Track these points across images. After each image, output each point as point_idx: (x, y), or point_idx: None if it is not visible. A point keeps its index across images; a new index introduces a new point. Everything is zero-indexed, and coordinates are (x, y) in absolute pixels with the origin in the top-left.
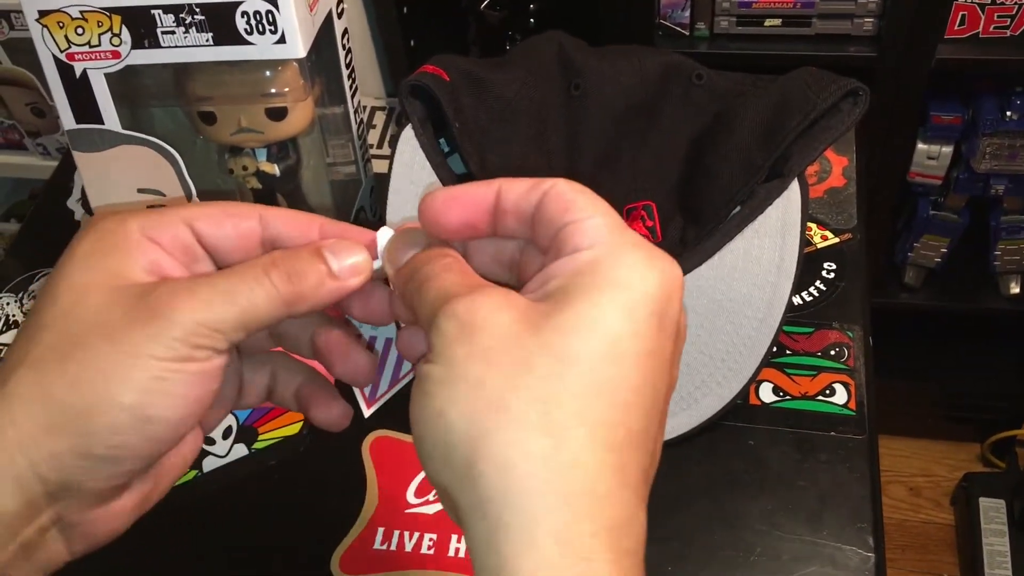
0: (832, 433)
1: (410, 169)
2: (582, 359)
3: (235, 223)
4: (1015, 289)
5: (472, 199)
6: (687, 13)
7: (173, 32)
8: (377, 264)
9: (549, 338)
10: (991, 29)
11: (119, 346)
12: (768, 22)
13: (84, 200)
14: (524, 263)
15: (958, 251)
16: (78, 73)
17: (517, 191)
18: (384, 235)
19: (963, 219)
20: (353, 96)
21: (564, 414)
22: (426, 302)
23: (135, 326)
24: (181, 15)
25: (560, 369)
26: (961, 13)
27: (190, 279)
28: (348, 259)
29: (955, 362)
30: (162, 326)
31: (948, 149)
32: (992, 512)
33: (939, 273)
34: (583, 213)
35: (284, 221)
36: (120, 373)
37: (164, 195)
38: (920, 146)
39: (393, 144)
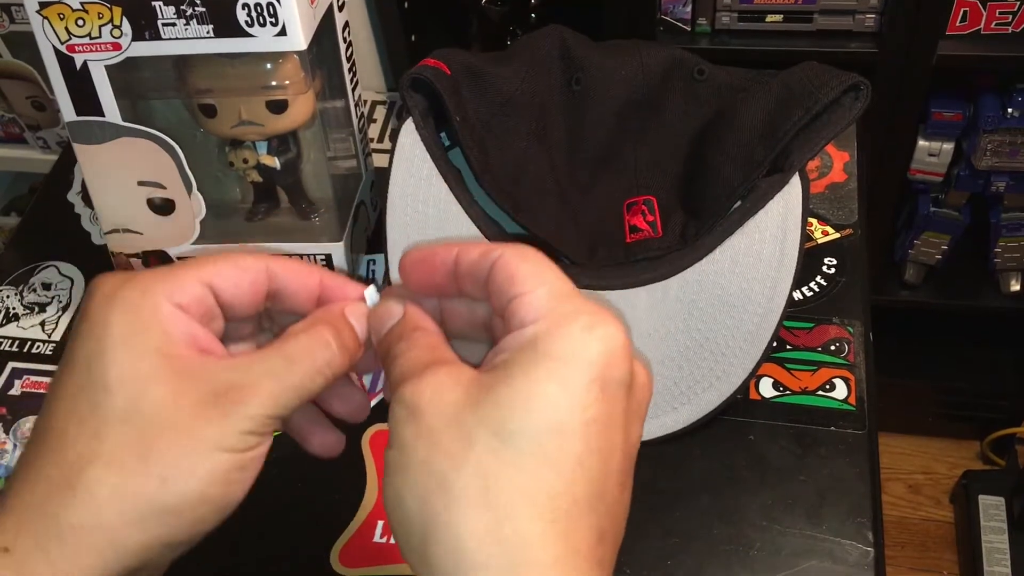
0: (832, 428)
1: (411, 163)
2: (521, 433)
3: (249, 279)
4: (1015, 287)
5: (434, 262)
6: (688, 8)
7: (174, 24)
8: None
9: (488, 414)
10: (992, 26)
11: (197, 443)
12: (769, 18)
13: (84, 193)
14: (494, 325)
15: (958, 248)
16: (78, 65)
17: (471, 257)
18: (370, 296)
19: (964, 216)
20: (354, 90)
21: (504, 488)
22: (389, 383)
23: (210, 423)
24: (182, 7)
25: (498, 444)
26: (963, 9)
27: (248, 367)
28: (362, 323)
29: (955, 360)
30: (235, 422)
31: (949, 146)
32: (992, 510)
33: (939, 270)
34: (527, 285)
35: (288, 273)
36: (203, 469)
37: (164, 187)
38: (921, 143)
39: (394, 138)
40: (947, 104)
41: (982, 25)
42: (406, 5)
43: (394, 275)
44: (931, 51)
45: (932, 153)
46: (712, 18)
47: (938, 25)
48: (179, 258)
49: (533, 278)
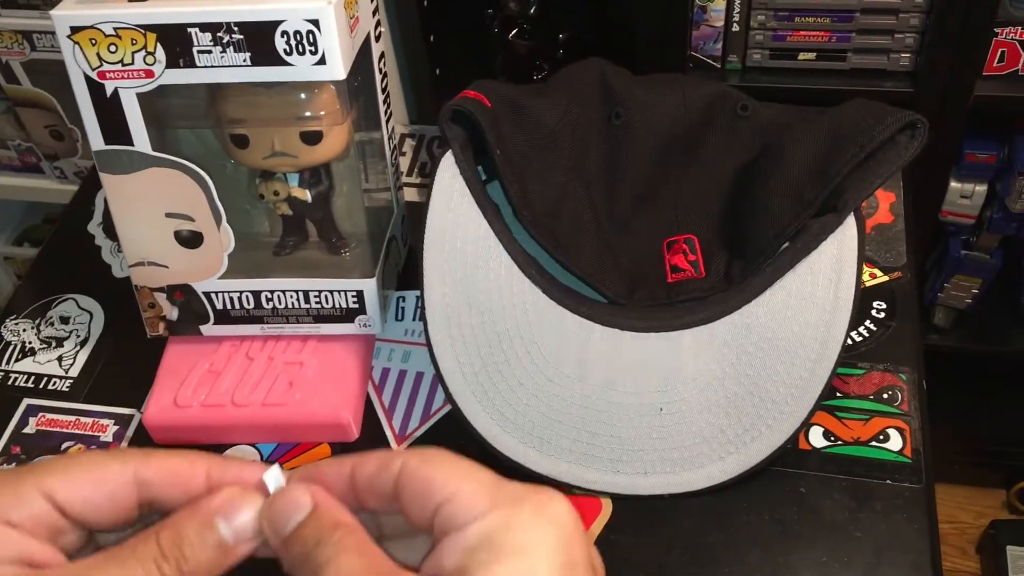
0: (888, 481)
1: (449, 197)
2: None
3: (104, 490)
4: None
5: (325, 481)
6: (719, 45)
7: (210, 51)
8: None
9: None
10: None
11: None
12: (802, 56)
13: (106, 224)
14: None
15: (989, 292)
16: (109, 92)
17: (367, 471)
18: (272, 480)
19: (995, 260)
20: (388, 121)
21: None
22: None
23: None
24: (219, 34)
25: None
26: (1000, 50)
27: (64, 571)
28: (239, 521)
29: (982, 406)
30: None
31: (982, 188)
32: (1020, 561)
33: (969, 314)
34: (449, 486)
35: (163, 477)
36: None
37: (193, 220)
38: (953, 184)
39: (425, 171)
40: (981, 145)
41: (1020, 66)
42: (432, 38)
43: (428, 315)
44: (968, 92)
45: (964, 195)
46: (743, 55)
47: (975, 65)
48: (204, 294)
49: (453, 477)
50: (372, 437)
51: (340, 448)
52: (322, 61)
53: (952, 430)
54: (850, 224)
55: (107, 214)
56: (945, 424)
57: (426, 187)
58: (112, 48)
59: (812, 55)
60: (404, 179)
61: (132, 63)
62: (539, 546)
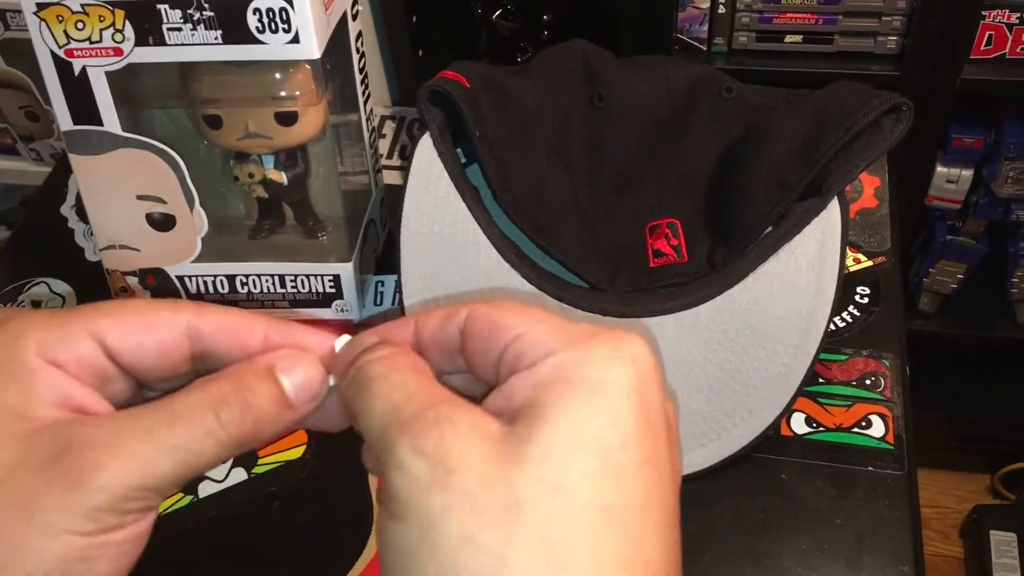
0: (869, 468)
1: (427, 180)
2: (580, 486)
3: (156, 337)
4: None
5: (394, 338)
6: (705, 28)
7: (180, 29)
8: None
9: (536, 469)
10: (1018, 50)
11: (32, 522)
12: (789, 38)
13: (78, 207)
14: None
15: (974, 278)
16: (77, 71)
17: (431, 326)
18: (343, 342)
19: (981, 245)
20: (366, 103)
21: (575, 559)
22: (373, 417)
23: (51, 495)
24: (189, 11)
25: (559, 504)
26: (988, 33)
27: (113, 422)
28: (300, 378)
29: (966, 391)
30: (85, 494)
31: (968, 173)
32: (1003, 546)
33: (954, 300)
34: (519, 327)
35: (218, 331)
36: (35, 557)
37: (165, 202)
38: (939, 169)
39: (405, 153)
40: (967, 130)
41: (1007, 49)
42: (414, 19)
43: (407, 299)
44: (955, 75)
45: (951, 180)
46: (729, 38)
47: (963, 49)
48: (177, 278)
49: (524, 319)
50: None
51: (317, 434)
52: (296, 40)
53: (936, 415)
54: (834, 208)
55: (80, 196)
56: (929, 409)
57: (406, 170)
58: (79, 25)
59: (799, 38)
60: (384, 162)
61: (100, 41)
62: (616, 384)
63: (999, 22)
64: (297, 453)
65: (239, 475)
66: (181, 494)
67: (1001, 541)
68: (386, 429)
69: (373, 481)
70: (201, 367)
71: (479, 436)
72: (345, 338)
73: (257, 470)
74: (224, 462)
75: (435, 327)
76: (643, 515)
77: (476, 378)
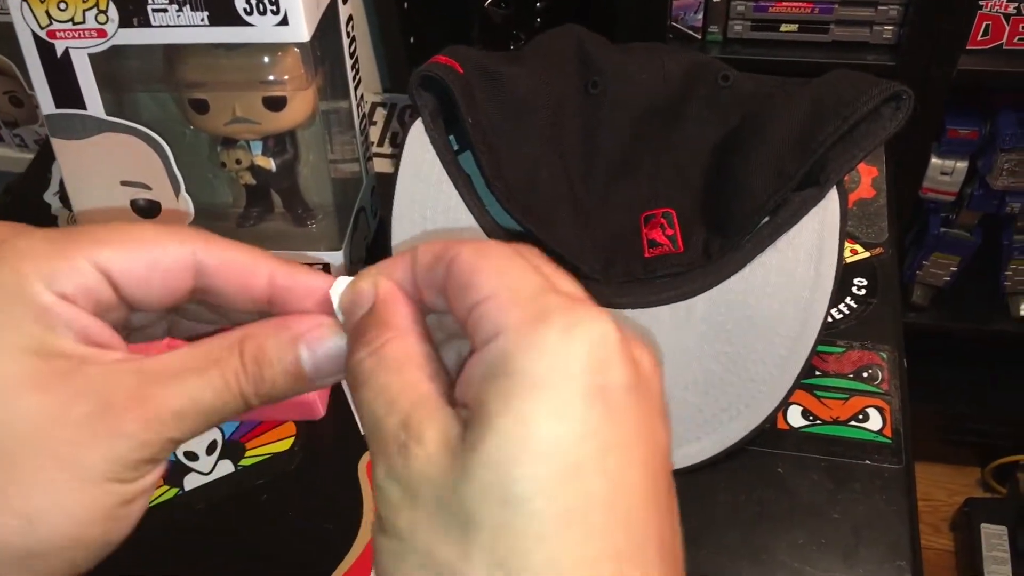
0: (866, 462)
1: (419, 167)
2: (528, 493)
3: (160, 269)
4: None
5: (394, 277)
6: (700, 16)
7: (165, 10)
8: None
9: (482, 481)
10: (1015, 40)
11: (76, 472)
12: (784, 27)
13: (62, 193)
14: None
15: (967, 270)
16: (59, 52)
17: (425, 261)
18: (338, 292)
19: (975, 237)
20: (356, 88)
21: (530, 569)
22: (363, 422)
23: (91, 446)
24: None
25: (509, 515)
26: (985, 23)
27: (148, 371)
28: (322, 349)
29: (958, 384)
30: (126, 447)
31: (963, 164)
32: (994, 539)
33: (947, 293)
34: (484, 290)
35: (223, 268)
36: (80, 506)
37: (150, 188)
38: (934, 160)
39: (396, 141)
40: (962, 121)
41: (1004, 40)
42: (406, 5)
43: None
44: (951, 65)
45: (945, 172)
46: (724, 26)
47: (959, 38)
48: None
49: (493, 277)
50: (339, 415)
51: (305, 426)
52: (284, 22)
53: (928, 409)
54: (832, 198)
55: (64, 183)
56: (921, 402)
57: (397, 157)
58: (62, 6)
59: (794, 27)
60: (375, 149)
61: (83, 22)
62: (562, 372)
63: (996, 12)
64: (285, 445)
65: (226, 467)
66: (166, 487)
67: (992, 534)
68: (369, 442)
69: (363, 473)
70: (201, 299)
71: (442, 450)
72: (342, 282)
73: (244, 462)
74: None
75: (427, 264)
76: (608, 509)
77: (460, 326)
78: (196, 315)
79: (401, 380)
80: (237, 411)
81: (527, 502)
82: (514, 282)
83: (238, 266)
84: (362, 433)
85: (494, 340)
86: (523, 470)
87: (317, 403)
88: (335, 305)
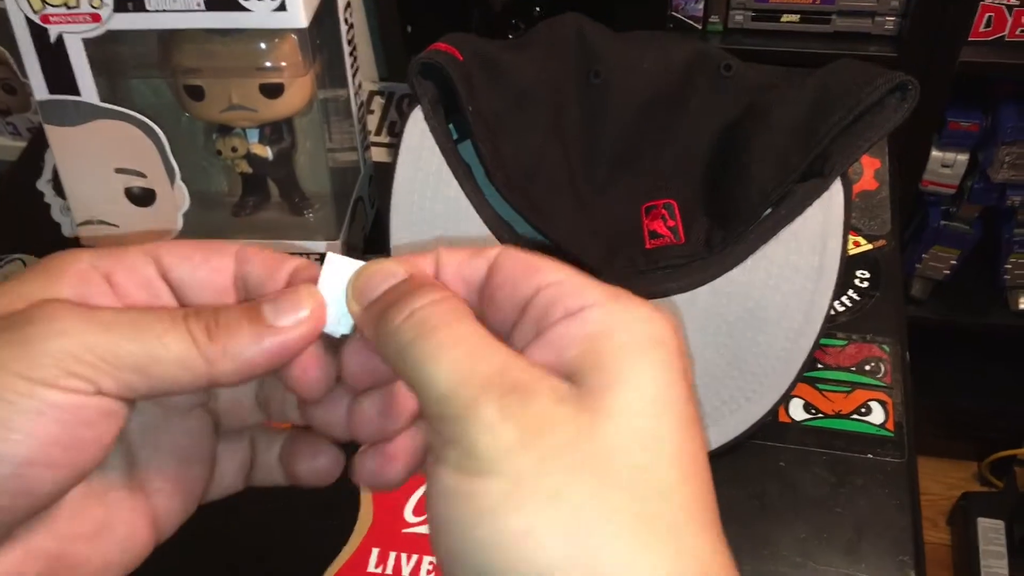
0: (869, 456)
1: (418, 156)
2: (666, 437)
3: (205, 258)
4: None
5: (411, 270)
6: (700, 5)
7: None
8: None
9: (622, 421)
10: (1018, 32)
11: (21, 366)
12: (785, 18)
13: (55, 181)
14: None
15: (966, 264)
16: (53, 38)
17: (458, 258)
18: (335, 262)
19: (975, 230)
20: (354, 76)
21: (668, 511)
22: (438, 370)
23: (10, 352)
24: None
25: (649, 458)
26: (987, 14)
27: (95, 306)
28: (292, 313)
29: (956, 378)
30: (34, 336)
31: (964, 157)
32: (991, 533)
33: (946, 286)
34: (555, 274)
35: (261, 260)
36: (35, 412)
37: (144, 176)
38: (934, 153)
39: (394, 130)
40: (963, 114)
41: (1007, 31)
42: None
43: None
44: (953, 57)
45: (946, 164)
46: (725, 16)
47: (961, 30)
48: None
49: (557, 266)
50: None
51: None
52: (282, 7)
53: (925, 402)
54: (836, 190)
55: (57, 171)
56: (918, 396)
57: (395, 147)
58: None
59: (796, 17)
60: (372, 138)
61: (77, 6)
62: (666, 340)
63: (999, 3)
64: None
65: None
66: None
67: (989, 528)
68: (459, 386)
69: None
70: (244, 295)
71: (557, 399)
72: (336, 256)
73: None
74: (201, 386)
75: (461, 261)
76: (707, 467)
77: (487, 319)
78: None
79: (479, 330)
80: (188, 363)
81: (666, 444)
82: (576, 271)
83: (272, 260)
84: (416, 395)
85: (592, 308)
86: (660, 417)
87: None
88: (322, 274)
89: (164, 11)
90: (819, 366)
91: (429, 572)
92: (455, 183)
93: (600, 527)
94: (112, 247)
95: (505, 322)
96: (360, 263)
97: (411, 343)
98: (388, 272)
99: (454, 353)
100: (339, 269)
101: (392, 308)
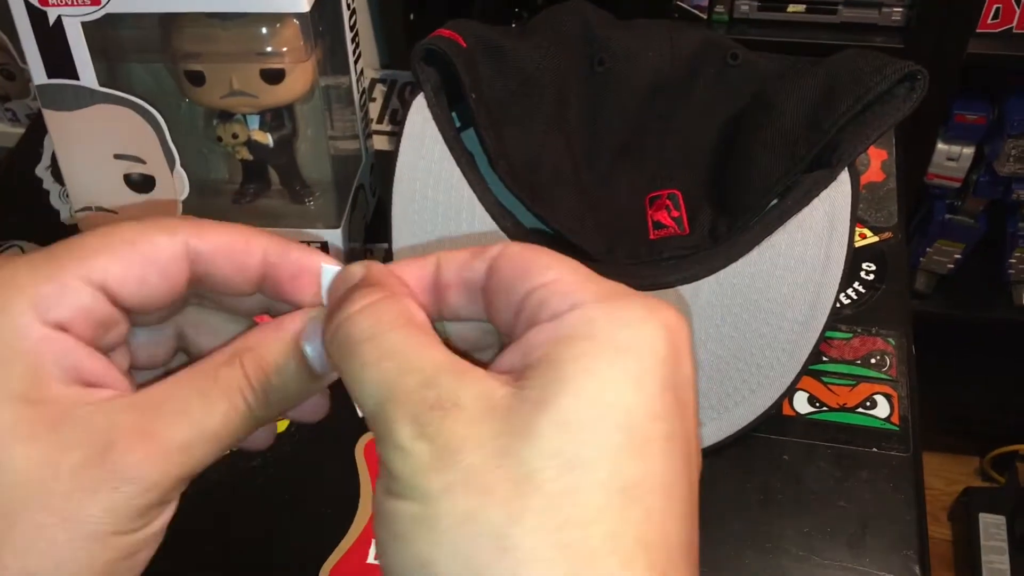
0: (874, 449)
1: (420, 143)
2: (599, 460)
3: (157, 267)
4: None
5: (410, 276)
6: None
7: None
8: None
9: (550, 440)
10: None
11: (73, 528)
12: (791, 7)
13: (54, 167)
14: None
15: (971, 258)
16: (52, 20)
17: (458, 261)
18: (328, 274)
19: (980, 224)
20: (356, 62)
21: (588, 541)
22: (364, 388)
23: (90, 497)
24: None
25: (573, 479)
26: (995, 6)
27: (144, 405)
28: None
29: (959, 372)
30: (129, 493)
31: (969, 150)
32: (992, 528)
33: (950, 280)
34: (551, 272)
35: (217, 253)
36: (80, 565)
37: (144, 162)
38: (940, 146)
39: (396, 118)
40: (970, 106)
41: (1015, 23)
42: None
43: None
44: (961, 49)
45: (951, 157)
46: (731, 6)
47: (969, 21)
48: None
49: (556, 264)
50: (335, 396)
51: None
52: None
53: (928, 396)
54: (843, 180)
55: (56, 157)
56: (921, 390)
57: (397, 135)
58: None
59: (802, 7)
60: (374, 126)
61: None
62: (647, 348)
63: None
64: (282, 426)
65: None
66: None
67: (990, 524)
68: (382, 405)
69: (360, 456)
70: (197, 289)
71: (485, 410)
72: (330, 269)
73: None
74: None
75: (462, 262)
76: (668, 495)
77: (493, 324)
78: (198, 322)
79: (413, 338)
80: (248, 430)
81: (597, 469)
82: (577, 268)
83: (232, 248)
84: (359, 412)
85: (571, 310)
86: (597, 436)
87: None
88: (323, 288)
89: None
90: (824, 359)
91: None
92: (457, 171)
93: (508, 556)
94: (44, 274)
95: (507, 325)
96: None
97: (339, 363)
98: (349, 276)
99: (374, 372)
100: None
101: (326, 322)
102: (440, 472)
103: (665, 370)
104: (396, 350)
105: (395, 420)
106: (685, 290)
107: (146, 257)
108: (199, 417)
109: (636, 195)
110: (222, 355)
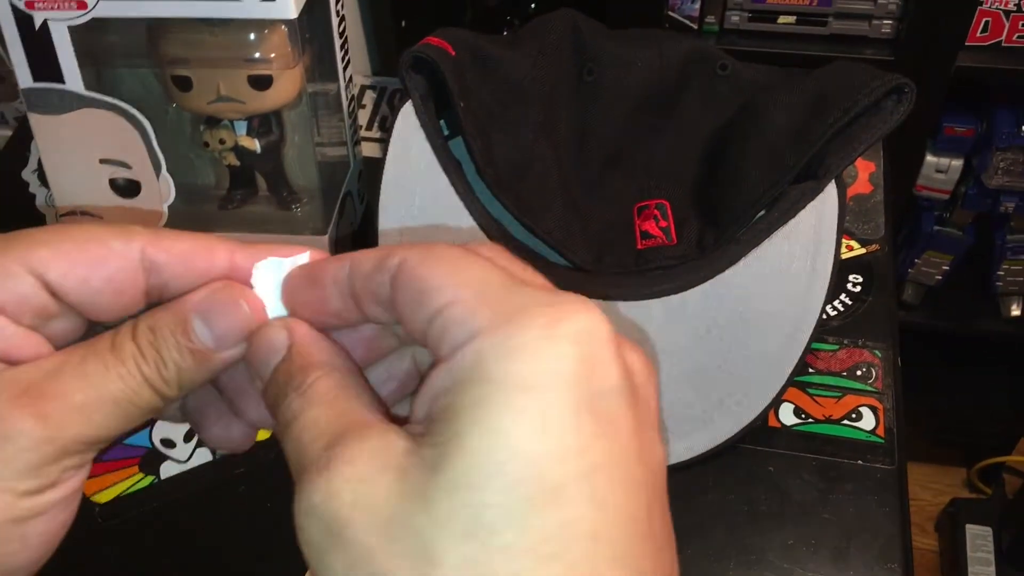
0: (859, 462)
1: (408, 150)
2: (502, 524)
3: (105, 271)
4: (1016, 311)
5: (323, 280)
6: (696, 5)
7: None
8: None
9: (445, 508)
10: (1015, 38)
11: None
12: (782, 19)
13: (40, 171)
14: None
15: (958, 270)
16: (37, 24)
17: (364, 270)
18: (261, 277)
19: (968, 236)
20: (345, 69)
21: None
22: (290, 460)
23: None
24: None
25: (475, 550)
26: (984, 20)
27: (48, 366)
28: (221, 320)
29: (946, 384)
30: (24, 449)
31: (958, 163)
32: (979, 540)
33: (938, 292)
34: (446, 294)
35: (177, 262)
36: None
37: (130, 167)
38: (929, 158)
39: (385, 125)
40: (959, 119)
41: (1003, 37)
42: None
43: None
44: (950, 62)
45: (940, 169)
46: (721, 16)
47: (958, 35)
48: None
49: (452, 281)
50: None
51: None
52: None
53: (915, 408)
54: (831, 192)
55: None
56: (908, 402)
57: (386, 142)
58: None
59: (792, 18)
60: (363, 133)
61: None
62: (547, 375)
63: (996, 8)
64: (265, 434)
65: (203, 455)
66: (141, 474)
67: (977, 535)
68: (296, 474)
69: None
70: (159, 300)
71: (380, 469)
72: (269, 262)
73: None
74: (167, 409)
75: (367, 273)
76: (592, 541)
77: (416, 340)
78: None
79: (331, 410)
80: (152, 401)
81: (497, 534)
82: (477, 281)
83: (192, 256)
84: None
85: (468, 344)
86: (494, 496)
87: None
88: (256, 288)
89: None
90: (810, 370)
91: None
92: (445, 179)
93: None
94: None
95: (423, 343)
96: (290, 260)
97: (283, 436)
98: (270, 346)
99: (293, 446)
100: (271, 267)
101: (275, 415)
102: (336, 553)
103: (576, 391)
104: (315, 422)
105: (296, 500)
106: (672, 300)
107: (93, 258)
108: (95, 381)
109: (624, 205)
110: (124, 325)
